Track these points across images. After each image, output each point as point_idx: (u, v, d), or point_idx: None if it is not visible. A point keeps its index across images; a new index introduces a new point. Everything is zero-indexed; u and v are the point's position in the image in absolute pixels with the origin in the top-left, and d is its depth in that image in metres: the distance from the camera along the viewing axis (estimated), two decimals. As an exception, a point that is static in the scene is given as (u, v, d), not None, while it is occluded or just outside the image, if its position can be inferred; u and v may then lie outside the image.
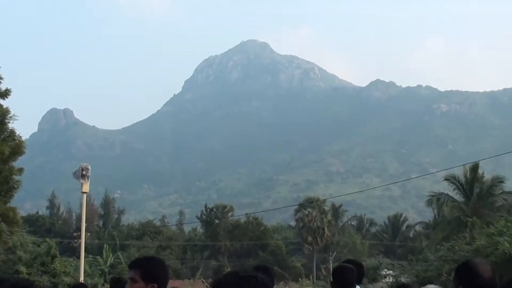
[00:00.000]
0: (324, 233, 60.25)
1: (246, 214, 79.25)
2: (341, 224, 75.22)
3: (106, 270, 47.93)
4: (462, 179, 38.38)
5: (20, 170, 24.88)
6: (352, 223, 78.60)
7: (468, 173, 38.33)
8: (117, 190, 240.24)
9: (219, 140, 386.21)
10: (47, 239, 37.18)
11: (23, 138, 25.31)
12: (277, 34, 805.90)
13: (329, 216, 64.48)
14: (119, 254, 56.56)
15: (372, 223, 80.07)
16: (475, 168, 38.57)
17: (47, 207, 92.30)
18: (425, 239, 53.33)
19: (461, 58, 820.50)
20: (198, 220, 76.89)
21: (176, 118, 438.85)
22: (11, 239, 26.05)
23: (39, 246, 35.55)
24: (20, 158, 24.81)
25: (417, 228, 74.30)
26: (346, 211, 79.83)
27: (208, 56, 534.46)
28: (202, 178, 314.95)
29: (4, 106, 24.24)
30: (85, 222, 22.24)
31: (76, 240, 56.09)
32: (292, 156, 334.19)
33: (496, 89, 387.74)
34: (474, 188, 37.71)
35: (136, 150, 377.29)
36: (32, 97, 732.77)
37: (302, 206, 66.89)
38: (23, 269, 29.78)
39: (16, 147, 24.15)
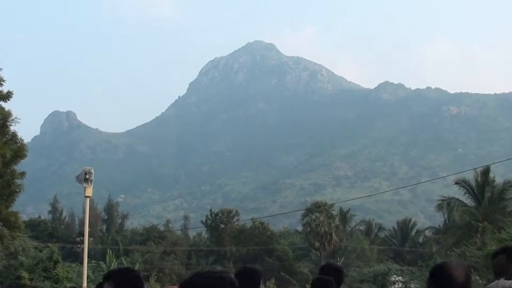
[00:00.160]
0: (331, 238, 59.57)
1: (252, 219, 78.73)
2: (349, 229, 74.46)
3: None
4: (473, 183, 38.09)
5: (22, 174, 24.67)
6: (361, 228, 77.74)
7: (479, 177, 38.04)
8: (121, 194, 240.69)
9: (225, 143, 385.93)
10: (49, 244, 36.85)
11: (25, 141, 25.19)
12: (284, 35, 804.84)
13: (337, 221, 63.77)
14: (123, 259, 56.17)
15: (380, 228, 79.21)
16: (486, 172, 38.22)
17: (49, 212, 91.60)
18: (435, 244, 52.45)
19: (472, 59, 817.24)
20: (203, 225, 76.34)
21: (181, 121, 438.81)
22: (12, 244, 25.72)
23: (41, 251, 35.21)
24: (22, 161, 24.64)
25: (427, 233, 73.33)
26: (354, 215, 78.97)
27: (213, 57, 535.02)
28: (207, 182, 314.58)
29: (6, 109, 24.06)
30: (88, 227, 21.80)
31: (79, 245, 55.59)
32: (299, 159, 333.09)
33: (507, 91, 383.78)
34: (485, 193, 37.39)
35: (140, 153, 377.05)
36: (34, 99, 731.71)
37: (309, 210, 66.23)
38: (25, 274, 29.34)
39: (18, 150, 23.96)
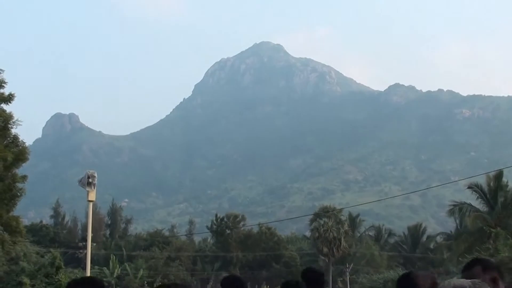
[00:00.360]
0: (340, 244, 58.84)
1: (259, 224, 78.07)
2: (358, 234, 73.85)
3: (113, 281, 46.96)
4: (486, 188, 37.94)
5: (24, 178, 24.38)
6: (370, 233, 77.09)
7: (492, 181, 37.80)
8: (125, 199, 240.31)
9: (231, 146, 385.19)
10: (51, 250, 36.52)
11: (27, 144, 25.01)
12: (292, 36, 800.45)
13: (346, 226, 63.12)
14: (126, 265, 55.68)
15: (390, 233, 78.54)
16: (499, 176, 37.90)
17: (52, 216, 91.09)
18: (447, 250, 51.59)
19: (485, 61, 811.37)
20: (208, 230, 75.69)
21: (186, 124, 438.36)
22: (14, 249, 25.38)
23: (43, 256, 34.86)
24: (23, 164, 24.42)
25: (438, 239, 72.53)
26: (364, 221, 78.32)
27: (219, 58, 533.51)
28: (213, 186, 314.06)
29: (8, 111, 23.86)
30: (91, 232, 21.23)
31: (81, 251, 55.22)
32: (307, 163, 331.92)
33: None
34: (498, 197, 37.17)
35: (144, 156, 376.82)
36: (36, 102, 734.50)
37: (317, 215, 65.70)
38: (26, 280, 28.87)
39: (20, 154, 23.72)
